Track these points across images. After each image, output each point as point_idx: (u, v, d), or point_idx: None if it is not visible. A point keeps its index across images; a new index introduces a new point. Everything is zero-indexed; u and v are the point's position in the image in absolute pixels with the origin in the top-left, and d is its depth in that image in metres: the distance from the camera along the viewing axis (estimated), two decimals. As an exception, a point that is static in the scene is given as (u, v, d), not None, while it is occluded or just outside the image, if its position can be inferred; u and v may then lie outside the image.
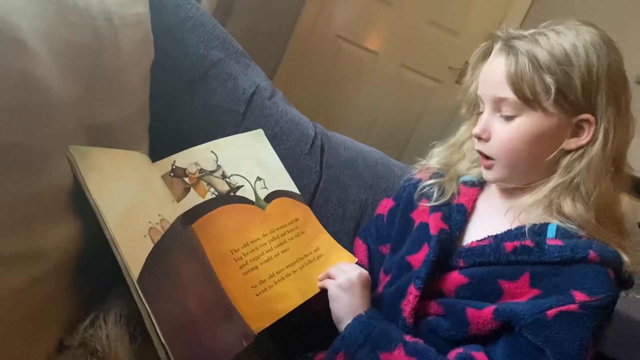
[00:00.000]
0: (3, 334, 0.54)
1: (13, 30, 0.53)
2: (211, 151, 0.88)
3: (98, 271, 0.66)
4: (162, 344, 0.58)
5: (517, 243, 0.75)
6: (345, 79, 2.97)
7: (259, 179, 0.91)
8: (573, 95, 0.71)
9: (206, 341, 0.66)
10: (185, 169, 0.83)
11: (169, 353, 0.58)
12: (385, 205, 1.00)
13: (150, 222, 0.68)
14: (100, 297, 0.67)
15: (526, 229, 0.75)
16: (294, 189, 0.96)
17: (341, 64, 2.94)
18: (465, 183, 0.88)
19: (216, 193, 0.85)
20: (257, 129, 1.00)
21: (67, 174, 0.61)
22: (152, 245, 0.65)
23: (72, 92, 0.62)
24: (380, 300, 0.84)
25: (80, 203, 0.61)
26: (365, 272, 0.84)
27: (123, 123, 0.77)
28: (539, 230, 0.75)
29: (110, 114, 0.73)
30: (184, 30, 1.00)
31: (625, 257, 0.72)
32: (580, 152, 0.73)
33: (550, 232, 0.75)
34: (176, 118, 0.99)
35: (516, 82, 0.73)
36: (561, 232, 0.74)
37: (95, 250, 0.63)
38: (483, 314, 0.72)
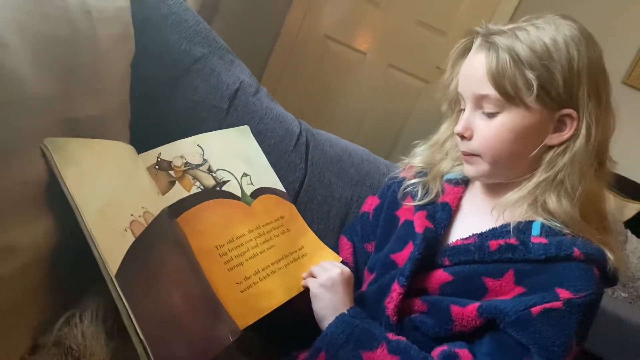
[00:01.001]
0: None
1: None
2: (197, 145, 0.87)
3: (75, 268, 0.65)
4: (141, 341, 0.56)
5: (501, 241, 0.74)
6: (333, 79, 2.97)
7: (245, 174, 0.90)
8: (555, 91, 0.71)
9: (190, 337, 0.64)
10: (170, 162, 0.82)
11: (149, 351, 0.56)
12: (370, 203, 0.99)
13: (132, 215, 0.66)
14: (77, 294, 0.65)
15: (511, 227, 0.75)
16: (279, 186, 0.96)
17: (329, 64, 2.94)
18: (449, 181, 0.87)
19: (202, 187, 0.83)
20: (241, 125, 0.99)
21: (42, 168, 0.59)
22: (132, 239, 0.64)
23: (48, 85, 0.61)
24: (364, 298, 0.83)
25: (57, 198, 0.59)
26: (347, 270, 0.83)
27: (102, 118, 0.76)
28: (524, 228, 0.75)
29: (88, 109, 0.71)
30: (167, 25, 0.99)
31: (609, 255, 0.72)
32: (563, 147, 0.73)
33: (535, 230, 0.75)
34: (158, 114, 0.98)
35: (497, 79, 0.72)
36: (546, 230, 0.74)
37: (73, 246, 0.62)
38: (467, 311, 0.72)
